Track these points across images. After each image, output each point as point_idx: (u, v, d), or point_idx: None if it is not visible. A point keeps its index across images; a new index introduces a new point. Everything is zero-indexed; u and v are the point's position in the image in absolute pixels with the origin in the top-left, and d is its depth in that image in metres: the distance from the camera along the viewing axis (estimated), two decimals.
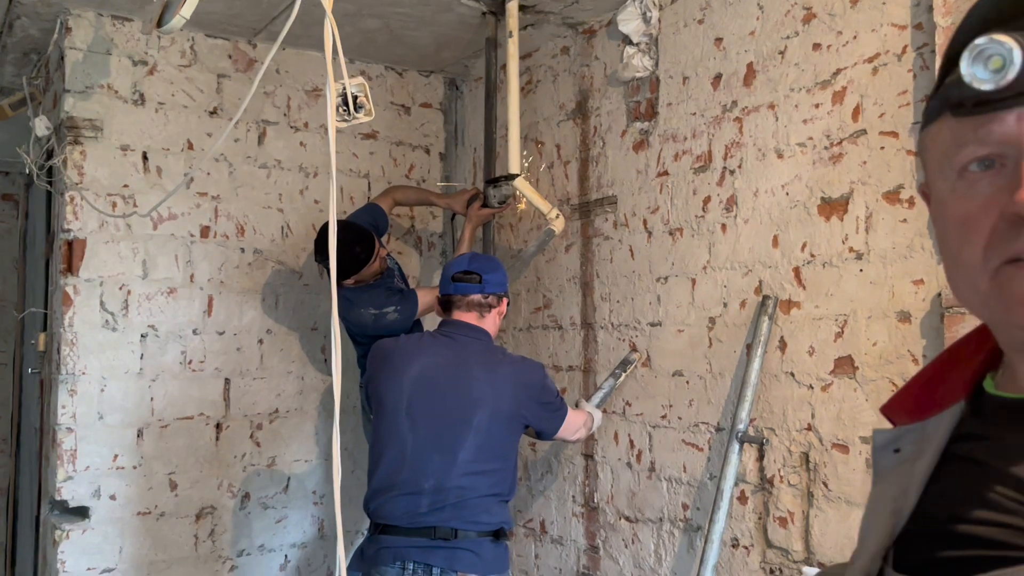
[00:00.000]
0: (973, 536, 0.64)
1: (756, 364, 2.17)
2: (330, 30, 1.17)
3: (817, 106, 2.11)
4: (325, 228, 2.66)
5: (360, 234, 2.60)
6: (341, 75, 1.26)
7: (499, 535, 2.13)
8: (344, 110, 1.31)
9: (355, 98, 1.31)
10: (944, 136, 0.66)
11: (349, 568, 2.21)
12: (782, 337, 2.18)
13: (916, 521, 0.70)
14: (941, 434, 0.72)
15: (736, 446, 2.17)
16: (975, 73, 0.60)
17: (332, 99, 1.28)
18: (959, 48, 0.63)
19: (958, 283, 0.68)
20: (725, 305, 2.36)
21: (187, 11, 1.76)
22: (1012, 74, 0.58)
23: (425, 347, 2.25)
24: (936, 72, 0.69)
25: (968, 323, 1.46)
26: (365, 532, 2.91)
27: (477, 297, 2.24)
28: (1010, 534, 0.61)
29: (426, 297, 2.65)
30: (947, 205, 0.67)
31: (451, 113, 3.53)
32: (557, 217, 2.77)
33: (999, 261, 0.62)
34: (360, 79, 1.31)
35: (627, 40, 2.67)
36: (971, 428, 0.72)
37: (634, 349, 2.66)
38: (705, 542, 2.17)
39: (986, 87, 0.59)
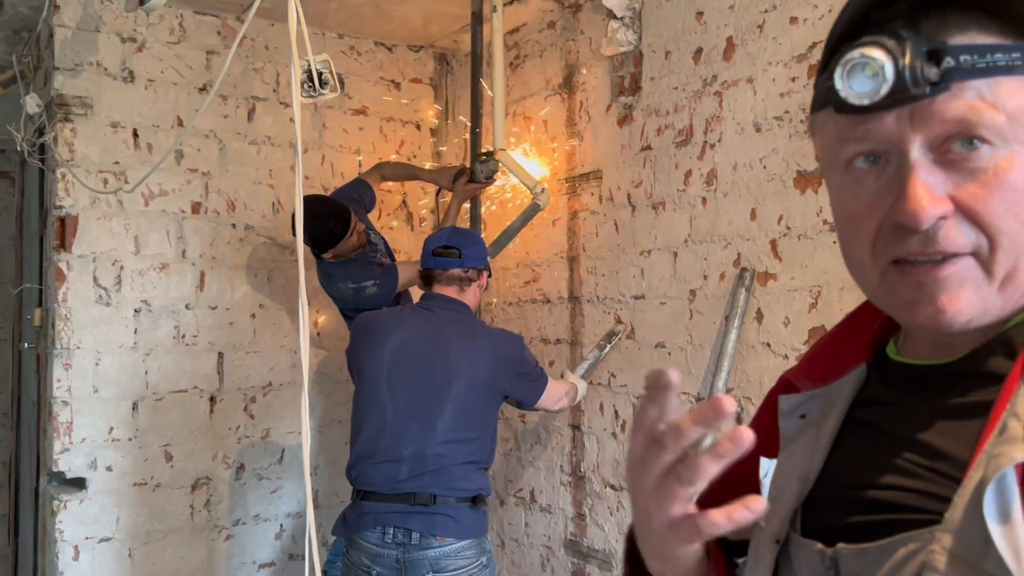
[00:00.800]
0: (881, 501, 0.64)
1: (733, 335, 2.21)
2: (294, 6, 1.19)
3: (794, 79, 2.13)
4: (303, 203, 2.70)
5: (335, 209, 2.63)
6: (306, 52, 1.29)
7: (477, 501, 2.20)
8: (310, 86, 1.34)
9: (320, 74, 1.33)
10: (829, 129, 0.66)
11: (333, 532, 2.28)
12: (759, 308, 2.22)
13: (822, 486, 0.71)
14: (844, 398, 0.73)
15: None
16: (850, 87, 0.60)
17: (296, 75, 1.31)
18: (838, 40, 0.63)
19: (852, 268, 0.69)
20: (705, 278, 2.39)
21: None
22: (886, 89, 0.59)
23: (405, 320, 2.31)
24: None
25: None
26: None
27: (457, 271, 2.29)
28: (918, 498, 0.62)
29: (407, 271, 2.69)
30: (838, 197, 0.68)
31: (441, 88, 3.55)
32: (542, 192, 2.80)
33: (885, 261, 0.63)
34: (325, 55, 1.34)
35: (611, 14, 2.68)
36: (875, 393, 0.73)
37: (619, 321, 2.70)
38: None
39: (862, 102, 0.60)
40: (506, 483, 3.21)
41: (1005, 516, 0.56)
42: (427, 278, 2.33)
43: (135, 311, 2.89)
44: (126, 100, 2.90)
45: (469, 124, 3.01)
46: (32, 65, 3.23)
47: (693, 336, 2.43)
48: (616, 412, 2.72)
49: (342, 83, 3.29)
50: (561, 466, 2.97)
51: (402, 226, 3.48)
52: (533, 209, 2.86)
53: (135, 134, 2.91)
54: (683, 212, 2.47)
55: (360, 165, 3.30)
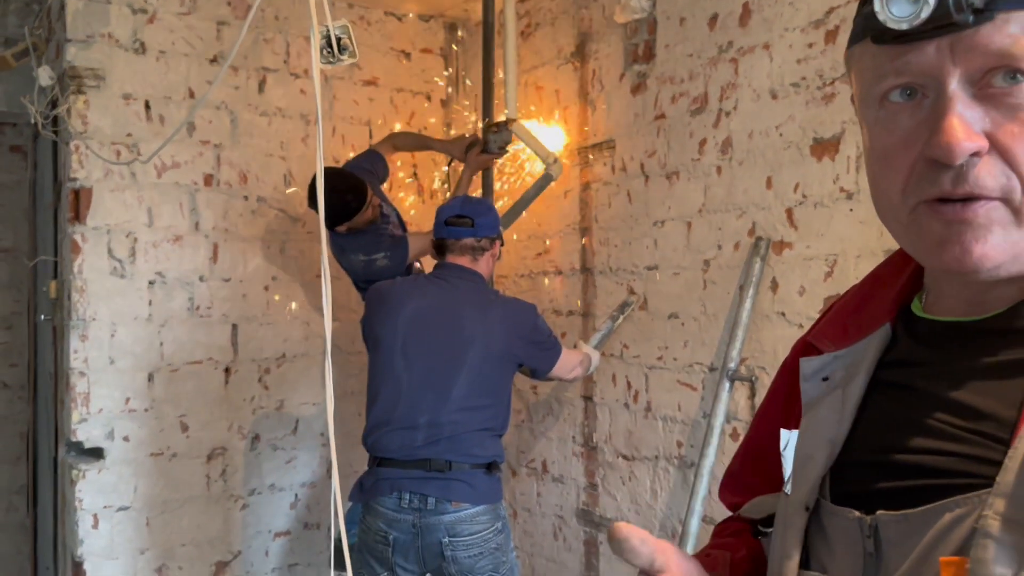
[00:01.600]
0: (919, 465, 0.62)
1: (748, 304, 2.20)
2: None
3: (810, 45, 2.10)
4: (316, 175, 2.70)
5: (352, 182, 2.63)
6: (325, 18, 1.28)
7: (492, 468, 2.22)
8: (328, 52, 1.33)
9: (339, 40, 1.32)
10: (866, 62, 0.64)
11: (350, 498, 2.31)
12: (774, 278, 2.21)
13: (852, 451, 0.68)
14: (870, 359, 0.71)
15: (727, 384, 2.21)
16: (889, 11, 0.58)
17: (316, 41, 1.30)
18: None
19: (881, 209, 0.67)
20: (720, 247, 2.38)
21: None
22: (926, 13, 0.57)
23: (419, 289, 2.32)
24: None
25: None
26: None
27: (470, 241, 2.29)
28: (961, 462, 0.60)
29: (418, 243, 2.69)
30: (871, 134, 0.65)
31: (452, 59, 3.52)
32: (555, 162, 2.79)
33: (916, 200, 0.62)
34: (344, 21, 1.33)
35: None
36: (903, 352, 0.70)
37: (632, 292, 2.70)
38: (695, 476, 2.23)
39: (902, 27, 0.58)
40: (518, 454, 3.23)
41: None
42: (440, 248, 2.34)
43: (149, 283, 2.91)
44: (138, 71, 2.89)
45: (481, 94, 2.99)
46: (44, 37, 3.22)
47: (707, 306, 2.43)
48: (628, 383, 2.72)
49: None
50: (573, 437, 2.98)
51: (413, 198, 3.47)
52: (545, 180, 2.85)
53: (147, 106, 2.91)
54: (697, 181, 2.46)
55: (371, 136, 3.29)
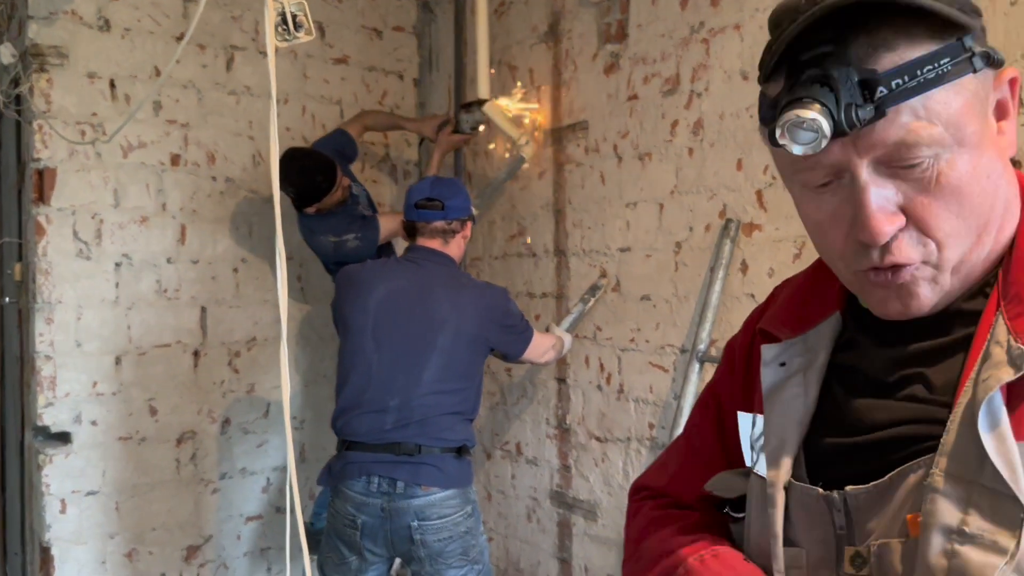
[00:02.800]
0: (881, 440, 0.69)
1: (717, 286, 2.20)
2: None
3: None
4: (285, 155, 2.66)
5: (322, 163, 2.60)
6: None
7: (462, 451, 2.21)
8: (284, 29, 1.30)
9: (295, 17, 1.29)
10: (780, 154, 0.68)
11: (318, 482, 2.30)
12: (744, 259, 2.20)
13: (818, 432, 0.74)
14: (825, 345, 0.77)
15: (696, 366, 2.21)
16: (793, 142, 0.64)
17: (271, 18, 1.27)
18: (775, 56, 0.65)
19: (828, 263, 0.74)
20: (691, 229, 2.38)
21: None
22: (825, 142, 0.63)
23: (390, 272, 2.30)
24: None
25: None
26: None
27: (440, 224, 2.27)
28: (916, 428, 0.67)
29: (389, 223, 2.67)
30: (800, 207, 0.72)
31: (425, 37, 3.48)
32: (527, 143, 2.76)
33: (855, 270, 0.69)
34: None
35: None
36: (854, 339, 0.76)
37: (603, 275, 2.69)
38: None
39: (807, 152, 0.64)
40: (492, 436, 3.23)
41: (997, 433, 0.61)
42: (410, 230, 2.32)
43: (116, 265, 2.86)
44: (102, 50, 2.83)
45: (453, 74, 2.95)
46: (6, 14, 3.14)
47: (678, 288, 2.42)
48: (601, 365, 2.72)
49: (323, 32, 3.22)
50: (547, 419, 2.98)
51: (385, 179, 3.43)
52: (518, 162, 2.82)
53: (112, 84, 2.85)
54: (669, 163, 2.44)
55: (342, 116, 3.24)
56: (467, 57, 2.88)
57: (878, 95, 0.61)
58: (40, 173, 2.75)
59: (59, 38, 2.77)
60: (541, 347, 2.41)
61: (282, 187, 2.63)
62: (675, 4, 2.40)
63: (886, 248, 0.66)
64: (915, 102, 0.62)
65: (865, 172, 0.65)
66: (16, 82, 2.87)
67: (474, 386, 2.26)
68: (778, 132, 0.64)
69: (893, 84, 0.61)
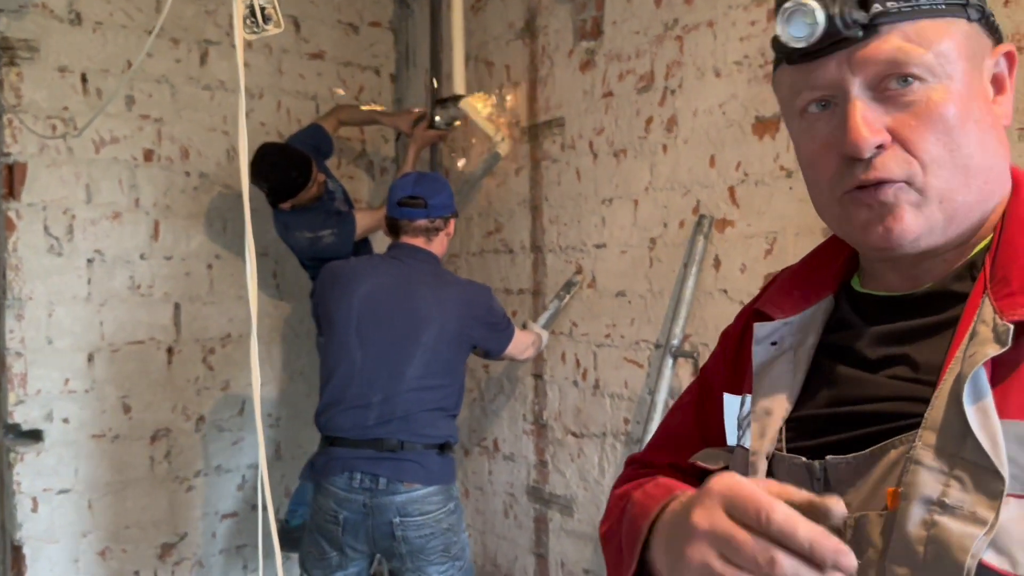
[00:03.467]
0: (865, 414, 0.71)
1: (691, 282, 2.21)
2: None
3: (753, 23, 2.10)
4: (260, 150, 2.65)
5: (297, 158, 2.59)
6: None
7: (444, 448, 2.22)
8: (252, 22, 1.29)
9: (263, 9, 1.28)
10: (785, 81, 0.74)
11: (300, 477, 2.30)
12: (716, 255, 2.22)
13: (805, 406, 0.77)
14: (817, 325, 0.80)
15: (669, 361, 2.23)
16: (789, 33, 0.68)
17: (239, 10, 1.26)
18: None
19: (818, 206, 0.77)
20: (665, 225, 2.39)
21: None
22: (819, 32, 0.67)
23: (374, 269, 2.31)
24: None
25: None
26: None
27: (423, 222, 2.28)
28: (900, 405, 0.68)
29: (365, 219, 2.66)
30: (797, 143, 0.75)
31: (402, 33, 3.46)
32: (503, 140, 2.76)
33: (840, 191, 0.71)
34: None
35: None
36: (845, 320, 0.79)
37: (578, 271, 2.70)
38: None
39: (800, 45, 0.68)
40: (470, 433, 3.23)
41: (980, 407, 0.62)
42: (393, 227, 2.33)
43: (88, 261, 2.83)
44: (74, 43, 2.80)
45: (429, 69, 2.94)
46: None
47: (653, 284, 2.43)
48: (577, 361, 2.73)
49: (298, 26, 3.20)
50: (524, 415, 2.99)
51: (362, 175, 3.42)
52: (494, 158, 2.82)
53: (83, 79, 2.82)
54: (644, 159, 2.45)
55: (317, 111, 3.23)
56: (443, 53, 2.88)
57: (873, 10, 0.66)
58: (10, 168, 2.72)
59: (29, 31, 2.73)
60: (521, 344, 2.42)
61: (256, 182, 2.63)
62: (649, 1, 2.41)
63: (871, 164, 0.68)
64: (907, 26, 0.66)
65: (856, 89, 0.68)
66: None
67: (457, 383, 2.27)
68: (778, 20, 0.68)
69: (888, 4, 0.66)
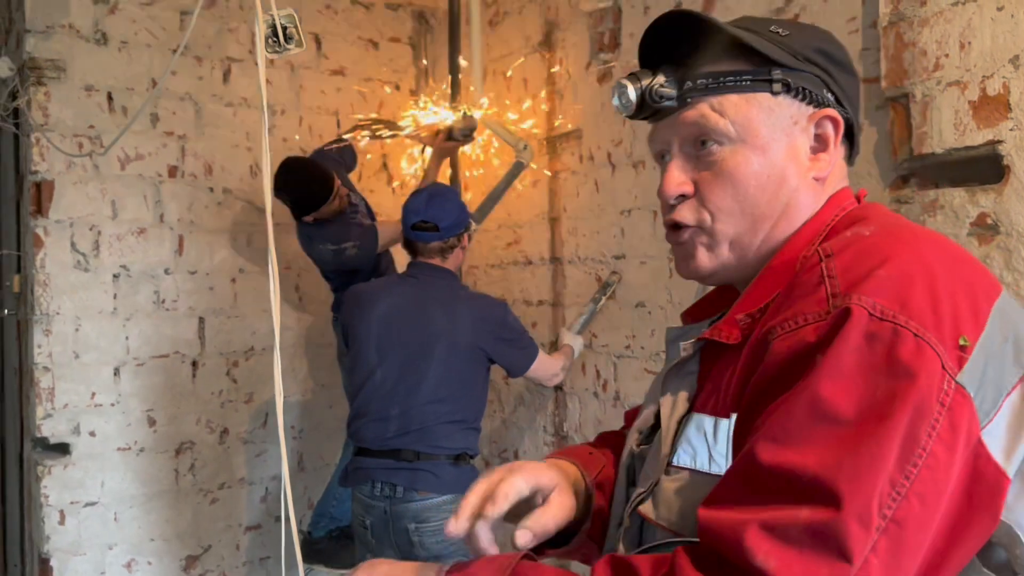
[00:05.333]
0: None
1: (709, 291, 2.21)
2: None
3: None
4: (283, 165, 2.68)
5: (319, 173, 2.62)
6: (270, 6, 1.26)
7: (460, 459, 2.29)
8: (275, 41, 1.31)
9: (284, 28, 1.31)
10: (649, 134, 0.89)
11: (340, 484, 2.43)
12: None
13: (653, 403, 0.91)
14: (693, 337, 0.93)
15: None
16: (618, 104, 0.84)
17: (261, 30, 1.28)
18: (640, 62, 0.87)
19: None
20: None
21: None
22: (633, 105, 0.83)
23: (391, 288, 2.41)
24: None
25: None
26: (336, 464, 3.00)
27: (437, 244, 2.33)
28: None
29: (387, 232, 2.69)
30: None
31: (420, 48, 3.50)
32: (525, 149, 2.78)
33: (664, 226, 0.87)
34: (290, 10, 1.31)
35: None
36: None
37: (614, 272, 2.68)
38: None
39: (626, 114, 0.84)
40: (490, 444, 3.23)
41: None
42: (410, 248, 2.42)
43: (114, 276, 2.88)
44: (100, 63, 2.85)
45: (448, 83, 2.97)
46: (3, 28, 3.17)
47: (673, 295, 2.43)
48: (598, 372, 2.73)
49: (319, 43, 3.24)
50: (544, 426, 2.99)
51: (383, 188, 3.45)
52: (517, 168, 2.83)
53: (109, 97, 2.87)
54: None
55: (338, 126, 3.26)
56: (462, 67, 2.90)
57: (685, 87, 0.81)
58: (38, 186, 2.77)
59: (56, 51, 2.79)
60: (549, 369, 2.47)
61: (280, 196, 2.66)
62: None
63: (673, 208, 0.84)
64: (713, 99, 0.80)
65: (676, 147, 0.84)
66: (14, 95, 2.89)
67: (474, 395, 2.33)
68: (612, 92, 0.85)
69: (699, 82, 0.80)
